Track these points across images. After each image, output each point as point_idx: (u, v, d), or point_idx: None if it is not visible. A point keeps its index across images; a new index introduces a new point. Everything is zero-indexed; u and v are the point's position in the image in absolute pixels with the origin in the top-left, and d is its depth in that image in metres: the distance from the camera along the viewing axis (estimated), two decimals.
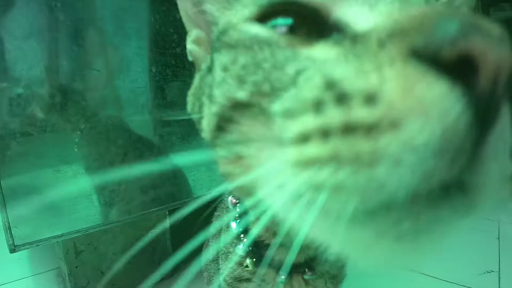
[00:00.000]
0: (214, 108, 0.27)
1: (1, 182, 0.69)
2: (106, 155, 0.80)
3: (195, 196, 0.97)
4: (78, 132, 0.74)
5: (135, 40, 0.81)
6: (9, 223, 0.69)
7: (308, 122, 0.20)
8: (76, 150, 0.75)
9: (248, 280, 0.48)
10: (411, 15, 0.19)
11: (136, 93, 0.85)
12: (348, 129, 0.18)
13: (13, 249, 0.71)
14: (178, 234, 1.14)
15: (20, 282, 1.08)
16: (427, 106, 0.17)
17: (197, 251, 0.70)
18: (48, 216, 0.75)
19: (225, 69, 0.27)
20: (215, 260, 0.68)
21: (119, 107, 0.84)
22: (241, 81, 0.25)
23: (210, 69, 0.31)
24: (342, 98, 0.19)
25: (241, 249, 0.44)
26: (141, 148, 0.88)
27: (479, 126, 0.17)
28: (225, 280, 0.53)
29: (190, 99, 0.37)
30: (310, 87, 0.20)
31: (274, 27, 0.25)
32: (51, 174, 0.72)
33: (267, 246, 0.41)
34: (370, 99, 0.18)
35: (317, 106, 0.20)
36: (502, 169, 0.19)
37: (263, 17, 0.26)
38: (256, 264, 0.43)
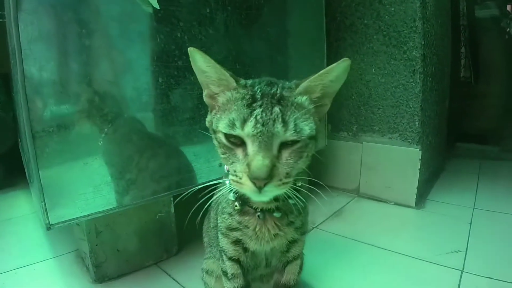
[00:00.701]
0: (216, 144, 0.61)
1: (40, 172, 0.85)
2: (125, 150, 0.97)
3: (192, 185, 1.12)
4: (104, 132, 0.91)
5: (144, 59, 0.97)
6: (45, 205, 0.85)
7: (240, 172, 0.55)
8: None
9: (236, 229, 0.71)
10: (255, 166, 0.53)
11: (146, 98, 1.01)
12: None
13: (49, 227, 0.87)
14: (182, 220, 1.30)
15: (44, 263, 1.25)
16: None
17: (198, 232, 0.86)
18: (78, 200, 0.91)
19: (215, 144, 0.61)
20: (214, 227, 0.84)
21: (134, 109, 1.00)
22: (220, 152, 0.60)
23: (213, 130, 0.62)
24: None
25: (232, 195, 0.67)
26: (152, 144, 1.04)
27: None
28: (220, 230, 0.74)
29: (207, 122, 0.65)
30: (239, 165, 0.56)
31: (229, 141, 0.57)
32: (80, 165, 0.89)
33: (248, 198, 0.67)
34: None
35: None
36: None
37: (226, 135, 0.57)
38: (242, 205, 0.68)
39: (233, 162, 0.56)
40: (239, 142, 0.55)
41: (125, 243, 1.13)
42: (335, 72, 0.59)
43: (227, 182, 0.65)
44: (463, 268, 1.11)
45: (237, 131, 0.54)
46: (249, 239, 0.70)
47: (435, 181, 1.83)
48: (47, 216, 0.85)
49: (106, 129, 0.90)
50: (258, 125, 0.53)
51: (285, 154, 0.55)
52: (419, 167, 1.51)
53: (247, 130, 0.53)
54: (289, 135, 0.54)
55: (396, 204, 1.59)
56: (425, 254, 1.20)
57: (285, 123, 0.54)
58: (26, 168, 1.36)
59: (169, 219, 1.22)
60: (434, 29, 1.57)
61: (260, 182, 0.52)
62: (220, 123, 0.57)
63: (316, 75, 0.58)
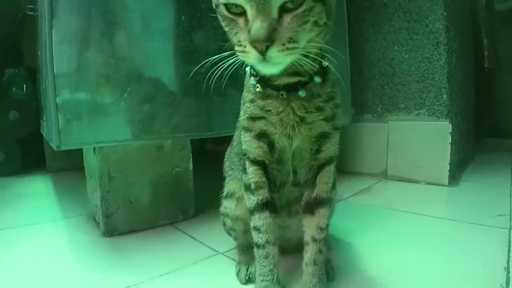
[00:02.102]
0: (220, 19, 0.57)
1: (56, 97, 0.82)
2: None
3: (211, 131, 1.07)
4: None
5: None
6: (58, 124, 0.80)
7: (243, 40, 0.52)
8: None
9: (259, 117, 0.64)
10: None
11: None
12: None
13: (59, 146, 0.82)
14: (200, 183, 1.23)
15: (53, 223, 1.18)
16: None
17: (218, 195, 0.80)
18: (92, 126, 0.87)
19: (220, 21, 0.57)
20: (238, 152, 0.77)
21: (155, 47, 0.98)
22: (224, 26, 0.56)
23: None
24: None
25: (252, 80, 0.63)
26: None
27: None
28: (243, 124, 0.67)
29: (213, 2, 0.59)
30: (242, 34, 0.53)
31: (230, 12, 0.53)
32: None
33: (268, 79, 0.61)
34: None
35: None
36: None
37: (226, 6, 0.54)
38: (263, 87, 0.62)
39: (236, 33, 0.54)
40: (240, 12, 0.52)
41: (138, 194, 1.06)
42: None
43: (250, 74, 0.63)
44: (510, 227, 0.98)
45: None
46: (273, 128, 0.63)
47: (466, 166, 1.71)
48: (59, 135, 0.81)
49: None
50: None
51: (287, 18, 0.51)
52: (450, 141, 1.41)
53: None
54: None
55: (428, 183, 1.47)
56: (467, 218, 1.07)
57: None
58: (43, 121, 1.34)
59: (187, 176, 1.15)
60: (454, 7, 1.56)
61: (261, 45, 0.49)
62: None
63: None
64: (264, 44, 0.49)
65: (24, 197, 1.55)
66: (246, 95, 0.66)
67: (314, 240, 0.68)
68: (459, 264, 0.80)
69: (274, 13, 0.50)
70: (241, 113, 0.68)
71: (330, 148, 0.66)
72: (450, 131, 1.41)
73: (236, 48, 0.54)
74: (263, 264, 0.68)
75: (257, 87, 0.62)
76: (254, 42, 0.49)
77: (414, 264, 0.82)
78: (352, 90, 1.65)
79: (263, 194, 0.67)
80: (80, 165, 1.24)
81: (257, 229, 0.68)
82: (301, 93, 0.60)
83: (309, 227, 0.69)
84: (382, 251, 0.90)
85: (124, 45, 0.95)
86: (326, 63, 0.62)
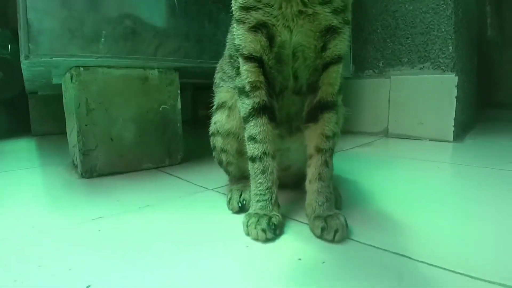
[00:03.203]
0: None
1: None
2: None
3: (201, 60, 0.96)
4: None
5: None
6: (28, 34, 0.70)
7: None
8: None
9: (255, 8, 0.53)
10: None
11: None
12: None
13: (27, 56, 0.71)
14: (190, 137, 1.13)
15: (31, 169, 1.08)
16: None
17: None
18: (64, 39, 0.76)
19: None
20: (227, 61, 0.68)
21: None
22: None
23: None
24: None
25: None
26: None
27: None
28: (235, 16, 0.56)
29: None
30: None
31: None
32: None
33: None
34: None
35: None
36: None
37: None
38: None
39: None
40: None
41: (120, 131, 0.95)
42: None
43: None
44: None
45: None
46: (274, 19, 0.53)
47: (469, 129, 1.64)
48: (28, 43, 0.70)
49: None
50: None
51: None
52: (456, 95, 1.33)
53: None
54: None
55: (431, 140, 1.39)
56: (478, 163, 0.99)
57: None
58: None
59: (175, 115, 1.04)
60: None
61: None
62: None
63: None
64: None
65: (6, 153, 1.44)
66: None
67: (319, 150, 0.58)
68: (468, 200, 0.72)
69: None
70: (232, 1, 0.57)
71: (339, 45, 0.56)
72: (456, 84, 1.33)
73: None
74: (260, 181, 0.58)
75: None
76: None
77: (422, 198, 0.74)
78: (352, 45, 1.56)
79: (260, 97, 0.57)
80: (65, 129, 1.13)
81: (252, 138, 0.58)
82: None
83: (313, 136, 0.59)
84: (388, 186, 0.82)
85: None
86: None
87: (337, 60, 0.57)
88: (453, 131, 1.34)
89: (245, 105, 0.59)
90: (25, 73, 1.03)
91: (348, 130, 1.61)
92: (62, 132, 1.80)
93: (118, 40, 0.82)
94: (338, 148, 0.69)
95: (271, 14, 0.53)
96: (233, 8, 0.57)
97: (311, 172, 0.59)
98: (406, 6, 1.46)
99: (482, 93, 2.04)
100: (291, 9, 0.52)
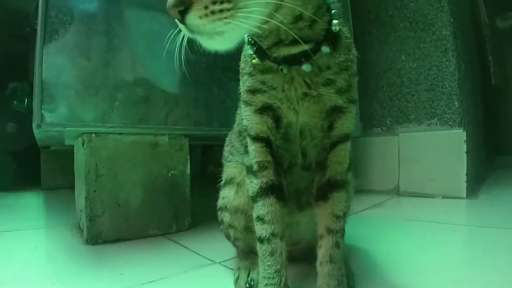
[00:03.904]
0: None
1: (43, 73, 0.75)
2: None
3: (211, 127, 0.98)
4: None
5: None
6: (42, 101, 0.72)
7: None
8: None
9: (260, 90, 0.54)
10: None
11: None
12: None
13: (39, 125, 0.73)
14: (199, 196, 1.12)
15: (36, 230, 1.07)
16: None
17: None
18: (76, 110, 0.79)
19: None
20: (238, 135, 0.68)
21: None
22: None
23: None
24: None
25: (249, 48, 0.52)
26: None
27: None
28: (243, 98, 0.57)
29: None
30: None
31: None
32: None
33: (267, 49, 0.51)
34: None
35: None
36: None
37: None
38: (261, 59, 0.52)
39: None
40: None
41: (127, 196, 0.95)
42: None
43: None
44: None
45: None
46: (279, 102, 0.54)
47: (482, 182, 1.60)
48: (40, 110, 0.72)
49: None
50: None
51: None
52: (466, 150, 1.32)
53: None
54: None
55: (444, 197, 1.36)
56: (492, 223, 0.96)
57: None
58: None
59: (184, 181, 1.04)
60: (460, 17, 1.54)
61: (174, 12, 0.38)
62: None
63: None
64: (176, 10, 0.38)
65: (13, 208, 1.44)
66: (244, 66, 0.57)
67: (330, 231, 0.56)
68: (488, 269, 0.68)
69: None
70: (240, 84, 0.58)
71: (345, 124, 0.56)
72: (465, 139, 1.33)
73: None
74: (268, 263, 0.55)
75: (254, 58, 0.52)
76: (168, 10, 0.38)
77: (438, 267, 0.70)
78: (359, 103, 1.59)
79: (268, 176, 0.56)
80: None
81: (260, 218, 0.56)
82: (306, 67, 0.50)
83: (323, 216, 0.57)
84: (402, 257, 0.78)
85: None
86: (336, 28, 0.50)
87: (344, 138, 0.57)
88: (466, 187, 1.31)
89: (253, 184, 0.58)
90: (37, 135, 1.06)
91: (359, 188, 1.58)
92: (72, 186, 1.82)
93: (130, 109, 0.85)
94: (349, 211, 0.68)
95: (276, 97, 0.53)
96: (240, 91, 0.58)
97: (322, 253, 0.56)
98: (410, 64, 1.50)
99: (491, 141, 2.03)
100: (295, 92, 0.53)
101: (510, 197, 1.28)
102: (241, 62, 0.58)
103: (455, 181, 1.33)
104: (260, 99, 0.54)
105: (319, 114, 0.54)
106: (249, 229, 0.65)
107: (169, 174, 1.01)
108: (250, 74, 0.55)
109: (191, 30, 0.40)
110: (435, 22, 1.43)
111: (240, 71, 0.58)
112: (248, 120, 0.57)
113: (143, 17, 0.93)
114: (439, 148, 1.39)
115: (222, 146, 0.76)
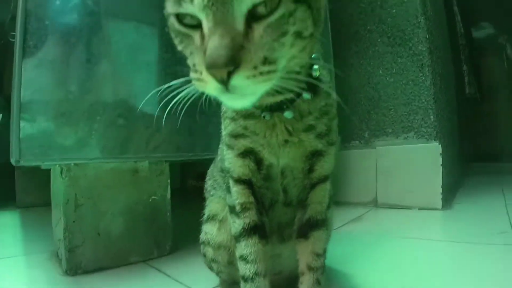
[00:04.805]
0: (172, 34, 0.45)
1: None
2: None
3: (193, 153, 0.98)
4: None
5: None
6: (19, 136, 0.70)
7: (199, 64, 0.39)
8: None
9: (242, 135, 0.55)
10: None
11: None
12: None
13: (18, 161, 0.71)
14: (179, 210, 1.12)
15: (13, 258, 1.04)
16: None
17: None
18: (56, 143, 0.77)
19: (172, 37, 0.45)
20: (220, 170, 0.69)
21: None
22: (177, 43, 0.44)
23: None
24: None
25: None
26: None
27: None
28: (224, 141, 0.58)
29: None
30: (197, 54, 0.40)
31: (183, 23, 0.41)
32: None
33: None
34: None
35: None
36: None
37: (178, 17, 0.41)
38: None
39: (191, 53, 0.41)
40: (197, 23, 0.39)
41: (108, 225, 0.94)
42: None
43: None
44: None
45: (185, 6, 0.38)
46: (261, 147, 0.55)
47: (457, 191, 1.67)
48: (19, 146, 0.70)
49: None
50: None
51: (258, 29, 0.37)
52: (441, 163, 1.37)
53: (197, 2, 0.36)
54: None
55: (421, 209, 1.40)
56: (467, 238, 1.00)
57: None
58: None
59: (164, 206, 1.03)
60: (436, 32, 1.59)
61: (221, 72, 0.36)
62: (168, 4, 0.41)
63: None
64: (225, 71, 0.36)
65: None
66: (226, 110, 0.57)
67: (310, 268, 0.58)
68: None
69: (239, 23, 0.37)
70: (222, 127, 0.59)
71: (325, 166, 0.58)
72: (441, 152, 1.38)
73: (191, 74, 0.41)
74: None
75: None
76: (211, 68, 0.36)
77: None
78: (338, 117, 1.62)
79: (250, 217, 0.58)
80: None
81: (244, 258, 0.58)
82: (287, 114, 0.51)
83: (304, 253, 0.59)
84: (382, 279, 0.80)
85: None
86: (317, 73, 0.50)
87: (324, 179, 0.59)
88: (441, 199, 1.36)
89: (236, 224, 0.59)
90: (13, 162, 1.03)
91: (337, 200, 1.62)
92: (48, 204, 1.77)
93: (109, 137, 0.83)
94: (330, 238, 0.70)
95: (258, 142, 0.54)
96: (222, 134, 0.59)
97: None
98: (387, 78, 1.54)
99: (466, 148, 2.11)
100: (277, 138, 0.54)
101: (481, 206, 1.35)
102: (222, 104, 0.58)
103: (431, 193, 1.38)
104: (242, 143, 0.55)
105: (299, 158, 0.56)
106: (232, 263, 0.66)
107: (150, 200, 1.00)
108: (233, 119, 0.55)
109: (228, 90, 0.37)
110: (412, 37, 1.47)
111: (222, 114, 0.59)
112: (230, 163, 0.58)
113: (125, 33, 0.92)
114: (415, 161, 1.44)
115: (202, 162, 0.76)
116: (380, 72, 1.56)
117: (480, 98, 2.03)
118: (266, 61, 0.38)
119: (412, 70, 1.47)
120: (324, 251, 0.60)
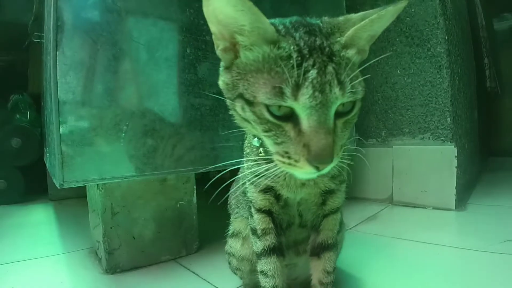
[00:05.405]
0: (251, 117, 0.47)
1: (60, 129, 0.81)
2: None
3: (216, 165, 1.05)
4: None
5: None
6: (62, 159, 0.80)
7: (296, 154, 0.45)
8: None
9: (264, 176, 0.59)
10: None
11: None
12: None
13: (62, 184, 0.81)
14: (204, 212, 1.21)
15: (54, 257, 1.16)
16: None
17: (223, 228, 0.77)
18: (95, 163, 0.86)
19: (240, 115, 0.49)
20: (241, 192, 0.76)
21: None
22: (261, 129, 0.47)
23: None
24: None
25: (255, 141, 0.58)
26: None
27: None
28: (248, 178, 0.64)
29: (223, 83, 0.50)
30: (293, 146, 0.46)
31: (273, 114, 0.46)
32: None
33: None
34: None
35: None
36: None
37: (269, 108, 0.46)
38: (267, 153, 0.55)
39: (282, 142, 0.45)
40: (285, 114, 0.43)
41: (141, 230, 1.04)
42: (389, 15, 0.47)
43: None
44: None
45: (289, 102, 0.42)
46: (280, 187, 0.62)
47: (472, 189, 1.69)
48: (62, 172, 0.79)
49: None
50: (317, 93, 0.41)
51: (339, 124, 0.45)
52: (456, 165, 1.39)
53: (303, 100, 0.41)
54: (346, 99, 0.43)
55: (434, 208, 1.45)
56: (475, 245, 1.05)
57: (342, 85, 0.42)
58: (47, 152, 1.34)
59: (191, 210, 1.13)
60: (455, 30, 1.57)
61: (326, 165, 0.44)
62: (258, 91, 0.43)
63: (367, 21, 0.46)
64: (324, 166, 0.43)
65: (25, 227, 1.53)
66: (249, 152, 0.64)
67: (321, 283, 0.67)
68: None
69: (332, 122, 0.44)
70: (245, 164, 0.65)
71: (336, 200, 0.66)
72: (456, 154, 1.40)
73: (279, 157, 0.47)
74: None
75: (261, 152, 0.58)
76: (320, 163, 0.43)
77: None
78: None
79: (269, 240, 0.66)
80: (83, 193, 1.23)
81: (264, 273, 0.66)
82: None
83: (316, 270, 0.68)
84: (392, 285, 0.87)
85: (129, 77, 0.95)
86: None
87: (335, 211, 0.67)
88: (455, 199, 1.40)
89: (257, 245, 0.67)
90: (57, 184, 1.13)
91: (354, 196, 1.68)
92: (79, 196, 1.90)
93: (142, 157, 0.92)
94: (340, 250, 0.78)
95: (277, 182, 0.62)
96: (245, 169, 0.65)
97: None
98: (405, 78, 1.55)
99: (484, 143, 2.10)
100: (295, 181, 0.61)
101: (495, 208, 1.37)
102: (245, 146, 0.66)
103: (445, 194, 1.42)
104: (264, 182, 0.62)
105: (314, 195, 0.64)
106: (254, 271, 0.75)
107: (178, 205, 1.10)
108: (255, 161, 0.61)
109: (313, 173, 0.45)
110: (430, 38, 1.46)
111: (245, 154, 0.66)
112: (252, 196, 0.66)
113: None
114: (431, 162, 1.46)
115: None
116: (398, 72, 1.57)
117: (501, 92, 1.99)
118: (341, 148, 0.47)
119: (430, 71, 1.47)
120: (334, 269, 0.68)
